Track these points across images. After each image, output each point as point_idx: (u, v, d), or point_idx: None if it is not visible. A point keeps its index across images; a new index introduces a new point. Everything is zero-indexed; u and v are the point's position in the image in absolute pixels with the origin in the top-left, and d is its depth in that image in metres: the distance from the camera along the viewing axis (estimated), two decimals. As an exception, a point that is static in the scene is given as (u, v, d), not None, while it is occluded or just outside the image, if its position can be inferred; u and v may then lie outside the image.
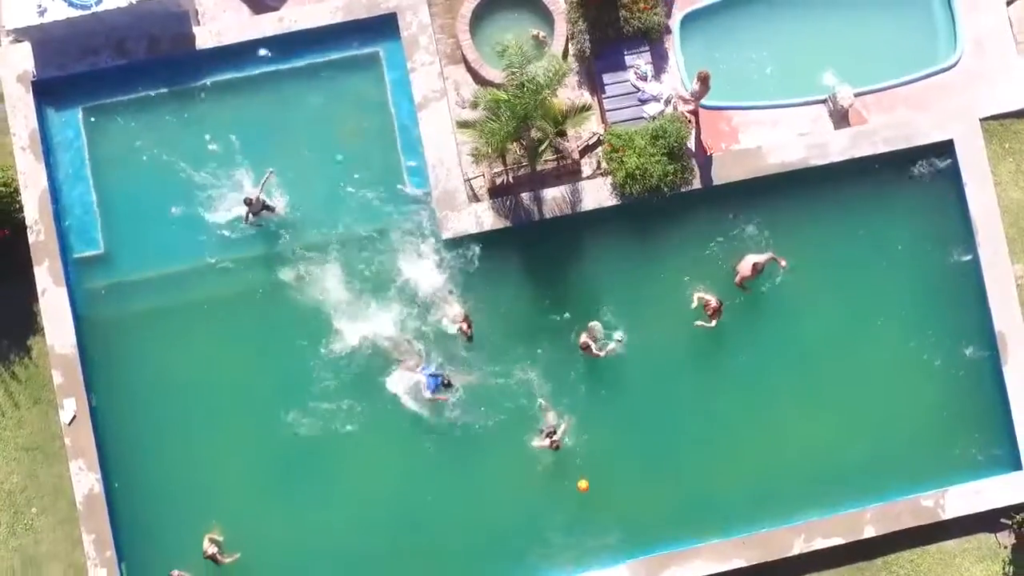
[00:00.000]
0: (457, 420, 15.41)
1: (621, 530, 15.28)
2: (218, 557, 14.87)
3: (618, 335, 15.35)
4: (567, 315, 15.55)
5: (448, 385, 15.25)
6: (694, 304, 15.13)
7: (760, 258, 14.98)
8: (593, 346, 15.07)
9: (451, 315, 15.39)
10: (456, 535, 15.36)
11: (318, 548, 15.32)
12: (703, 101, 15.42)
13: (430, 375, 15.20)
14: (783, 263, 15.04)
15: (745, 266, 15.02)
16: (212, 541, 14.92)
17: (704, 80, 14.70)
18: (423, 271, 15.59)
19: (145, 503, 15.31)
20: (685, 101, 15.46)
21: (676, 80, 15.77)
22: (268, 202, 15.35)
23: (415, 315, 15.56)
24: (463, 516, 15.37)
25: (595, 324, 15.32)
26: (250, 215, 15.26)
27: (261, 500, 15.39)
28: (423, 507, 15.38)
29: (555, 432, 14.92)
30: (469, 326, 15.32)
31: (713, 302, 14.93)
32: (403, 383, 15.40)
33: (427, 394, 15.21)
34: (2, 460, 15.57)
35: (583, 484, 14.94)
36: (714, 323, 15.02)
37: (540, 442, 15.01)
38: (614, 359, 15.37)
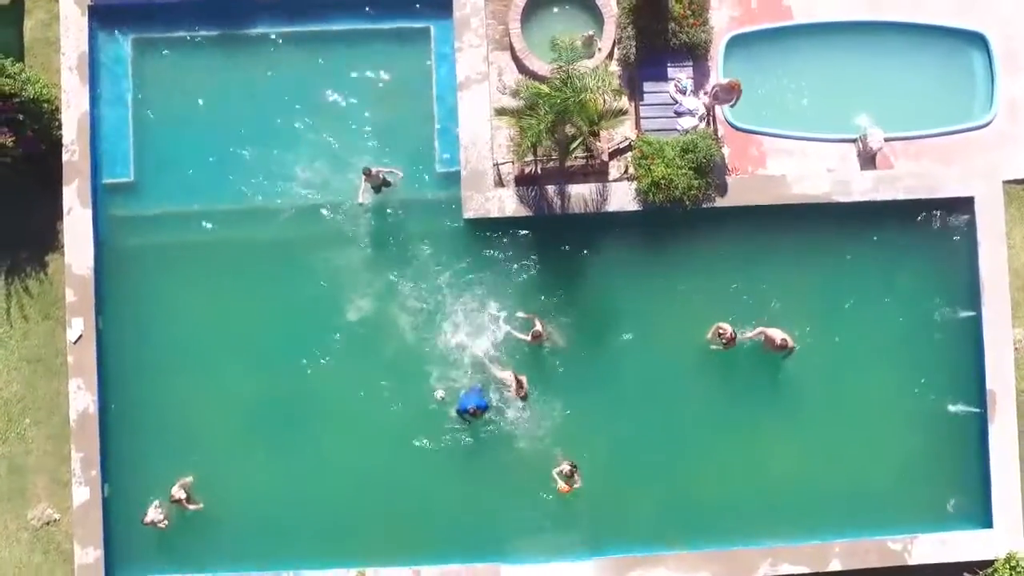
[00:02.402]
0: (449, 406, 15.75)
1: (594, 527, 15.55)
2: (184, 503, 15.15)
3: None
4: (570, 312, 15.86)
5: (476, 413, 15.13)
6: (709, 336, 15.43)
7: (790, 341, 14.99)
8: (539, 327, 15.22)
9: (501, 377, 15.44)
10: (433, 510, 15.60)
11: (297, 503, 15.58)
12: (733, 121, 15.75)
13: (470, 396, 15.26)
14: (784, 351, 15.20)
15: (775, 335, 15.02)
16: (182, 487, 15.19)
17: (732, 88, 14.91)
18: (440, 248, 15.90)
19: (136, 430, 15.58)
20: (709, 94, 15.68)
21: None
22: (389, 177, 15.53)
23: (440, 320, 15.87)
24: (443, 493, 15.62)
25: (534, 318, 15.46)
26: (366, 187, 15.36)
27: (248, 447, 15.66)
28: (404, 479, 15.63)
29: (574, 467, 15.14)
30: (522, 386, 15.19)
31: (728, 331, 15.17)
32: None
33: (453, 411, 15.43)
34: (4, 368, 15.86)
35: (564, 486, 15.15)
36: (728, 348, 15.30)
37: (561, 481, 15.15)
38: (612, 362, 15.78)
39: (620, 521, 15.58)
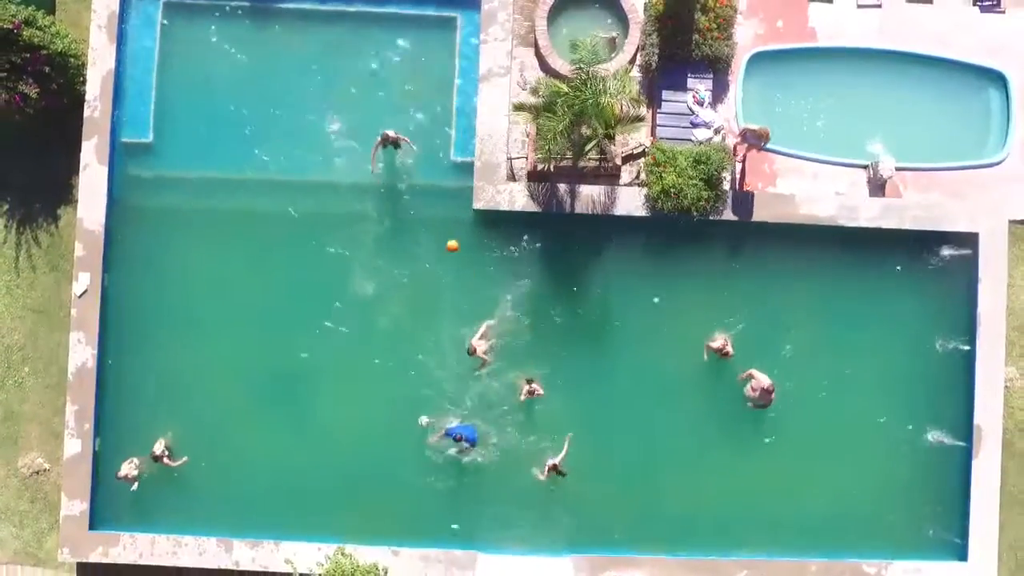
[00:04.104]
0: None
1: (575, 524, 15.73)
2: (165, 459, 15.39)
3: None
4: (569, 313, 16.02)
5: (459, 439, 15.28)
6: (705, 349, 15.65)
7: (774, 393, 15.22)
8: (479, 348, 15.41)
9: (516, 383, 15.68)
10: (416, 493, 15.78)
11: (285, 475, 15.77)
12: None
13: (460, 428, 15.38)
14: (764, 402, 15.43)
15: (763, 379, 15.18)
16: (164, 444, 15.43)
17: (761, 136, 15.11)
18: (447, 235, 15.93)
19: (131, 388, 15.79)
20: (737, 137, 15.88)
21: (731, 112, 16.18)
22: (402, 140, 15.71)
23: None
24: (428, 477, 15.78)
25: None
26: (379, 153, 15.64)
27: (240, 416, 15.86)
28: (391, 460, 15.81)
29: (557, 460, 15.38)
30: (532, 382, 15.45)
31: (720, 340, 15.46)
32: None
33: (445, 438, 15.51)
34: (8, 316, 16.07)
35: (452, 244, 15.44)
36: (725, 358, 15.56)
37: (543, 473, 15.46)
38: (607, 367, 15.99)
39: (601, 521, 15.76)
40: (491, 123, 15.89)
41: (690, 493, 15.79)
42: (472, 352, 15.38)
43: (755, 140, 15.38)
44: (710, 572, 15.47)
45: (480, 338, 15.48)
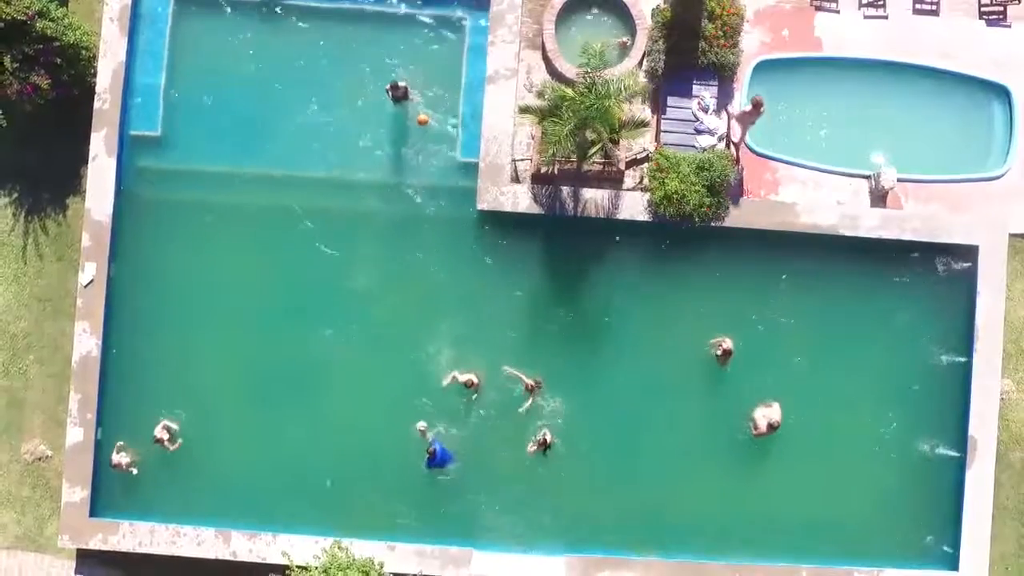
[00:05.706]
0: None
1: (569, 523, 15.86)
2: (165, 443, 15.57)
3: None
4: (567, 315, 16.14)
5: (432, 456, 15.33)
6: (710, 345, 15.80)
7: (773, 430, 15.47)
8: (460, 378, 15.62)
9: (524, 384, 15.75)
10: (414, 490, 15.92)
11: (283, 468, 15.93)
12: (750, 143, 16.04)
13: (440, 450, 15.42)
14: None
15: (775, 413, 15.36)
16: (166, 428, 15.60)
17: (756, 106, 15.12)
18: (449, 235, 16.19)
19: (134, 378, 15.96)
20: (734, 118, 15.91)
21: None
22: (410, 92, 15.95)
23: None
24: (425, 474, 15.83)
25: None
26: (391, 95, 15.86)
27: (242, 409, 16.04)
28: (389, 456, 15.93)
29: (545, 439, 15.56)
30: (538, 384, 15.64)
31: (726, 344, 15.56)
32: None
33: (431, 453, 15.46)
34: (15, 303, 16.24)
35: (423, 117, 15.74)
36: (726, 364, 15.70)
37: (532, 447, 15.66)
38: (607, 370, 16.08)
39: (595, 522, 15.88)
40: (496, 125, 16.00)
41: (684, 497, 15.89)
42: (469, 384, 15.63)
43: (753, 114, 15.24)
44: (700, 575, 15.58)
45: (460, 374, 15.65)
